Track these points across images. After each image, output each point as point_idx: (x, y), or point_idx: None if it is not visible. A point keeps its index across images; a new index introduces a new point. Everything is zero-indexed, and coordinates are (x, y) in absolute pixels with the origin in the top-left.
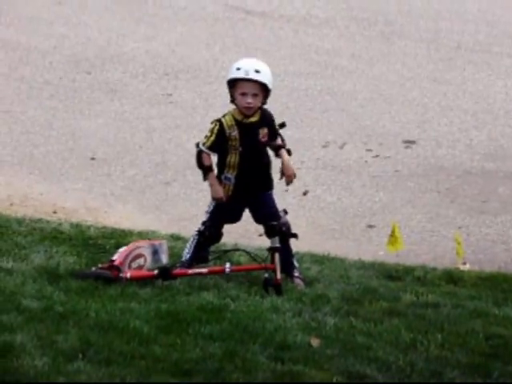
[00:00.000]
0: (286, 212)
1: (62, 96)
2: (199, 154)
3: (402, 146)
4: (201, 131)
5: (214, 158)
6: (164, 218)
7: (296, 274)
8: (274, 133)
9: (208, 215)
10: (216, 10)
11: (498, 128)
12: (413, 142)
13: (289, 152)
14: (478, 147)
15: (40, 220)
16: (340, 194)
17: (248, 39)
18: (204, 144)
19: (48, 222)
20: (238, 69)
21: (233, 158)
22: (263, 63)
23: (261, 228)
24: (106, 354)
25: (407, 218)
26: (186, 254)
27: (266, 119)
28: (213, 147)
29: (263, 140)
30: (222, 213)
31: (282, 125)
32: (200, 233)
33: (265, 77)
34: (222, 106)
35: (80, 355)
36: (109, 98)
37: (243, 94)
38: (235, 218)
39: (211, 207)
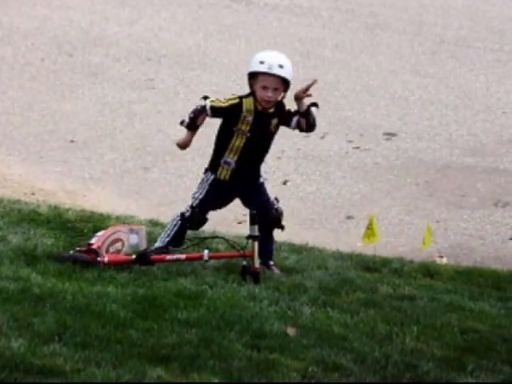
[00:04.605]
0: (277, 200)
1: (43, 78)
2: (201, 109)
3: (383, 138)
4: (182, 117)
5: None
6: (143, 203)
7: (271, 263)
8: (284, 119)
9: (197, 200)
10: None
11: (478, 123)
12: (393, 135)
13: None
14: (458, 142)
15: (18, 201)
16: (320, 184)
17: (232, 26)
18: (212, 102)
19: (26, 203)
20: (262, 62)
21: (237, 142)
22: (286, 57)
23: (239, 215)
24: (83, 337)
25: (386, 209)
26: (165, 238)
27: (279, 109)
28: (217, 111)
29: (273, 130)
30: (214, 198)
31: (315, 104)
32: (186, 218)
33: (288, 72)
34: (203, 93)
35: (56, 338)
36: (90, 82)
37: (264, 88)
38: (224, 204)
39: (203, 192)
